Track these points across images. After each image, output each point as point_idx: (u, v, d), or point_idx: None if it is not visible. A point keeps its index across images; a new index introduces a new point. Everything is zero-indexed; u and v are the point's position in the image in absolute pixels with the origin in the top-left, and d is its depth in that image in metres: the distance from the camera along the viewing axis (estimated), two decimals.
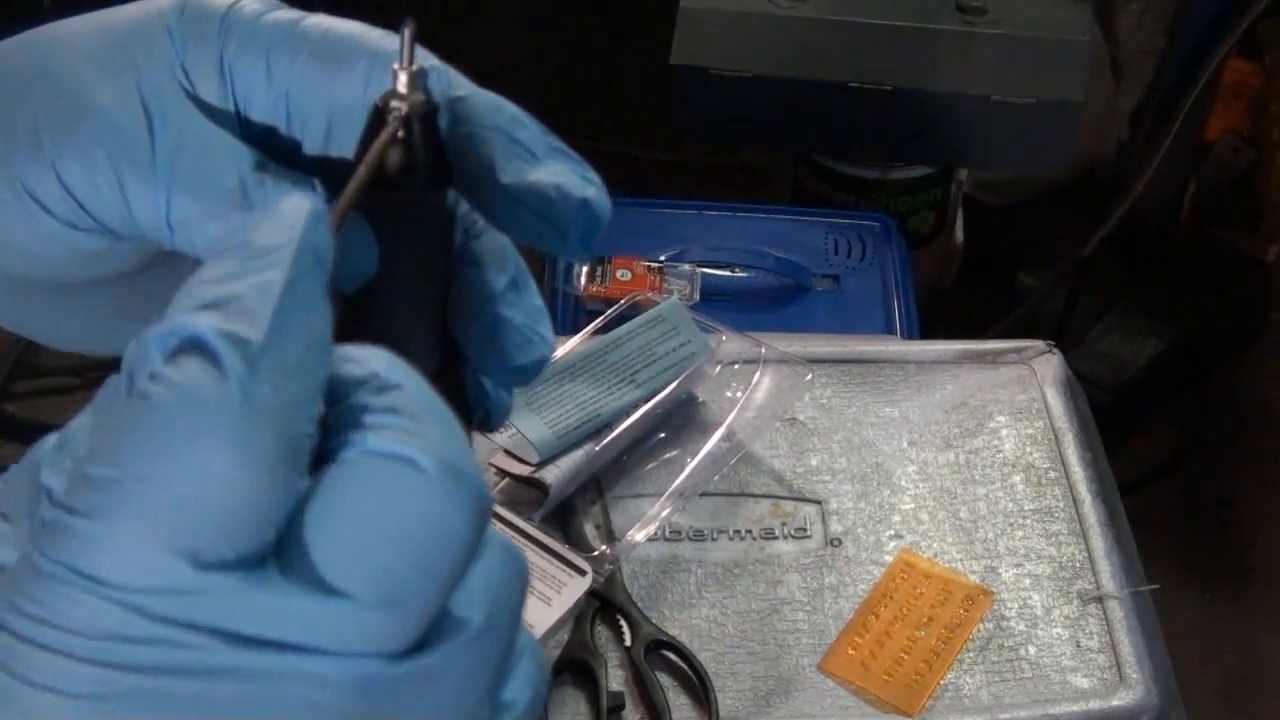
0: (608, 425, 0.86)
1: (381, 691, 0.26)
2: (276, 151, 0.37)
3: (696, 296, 1.13)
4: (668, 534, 0.86)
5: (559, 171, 0.35)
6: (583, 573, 0.77)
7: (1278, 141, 1.84)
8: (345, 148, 0.36)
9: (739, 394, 0.91)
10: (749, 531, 0.87)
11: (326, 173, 0.37)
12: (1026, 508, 0.88)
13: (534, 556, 0.77)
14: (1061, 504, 0.88)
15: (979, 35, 1.32)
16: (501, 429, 0.84)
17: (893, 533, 0.87)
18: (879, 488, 0.89)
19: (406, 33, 0.33)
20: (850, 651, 0.80)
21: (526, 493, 0.84)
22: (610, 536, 0.85)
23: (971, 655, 0.80)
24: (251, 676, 0.26)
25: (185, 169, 0.36)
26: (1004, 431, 0.92)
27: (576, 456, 0.84)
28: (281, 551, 0.26)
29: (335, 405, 0.28)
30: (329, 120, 0.37)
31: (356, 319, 0.33)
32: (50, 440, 0.27)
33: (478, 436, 0.88)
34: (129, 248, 0.38)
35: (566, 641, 0.80)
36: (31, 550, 0.25)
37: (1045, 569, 0.85)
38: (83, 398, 0.28)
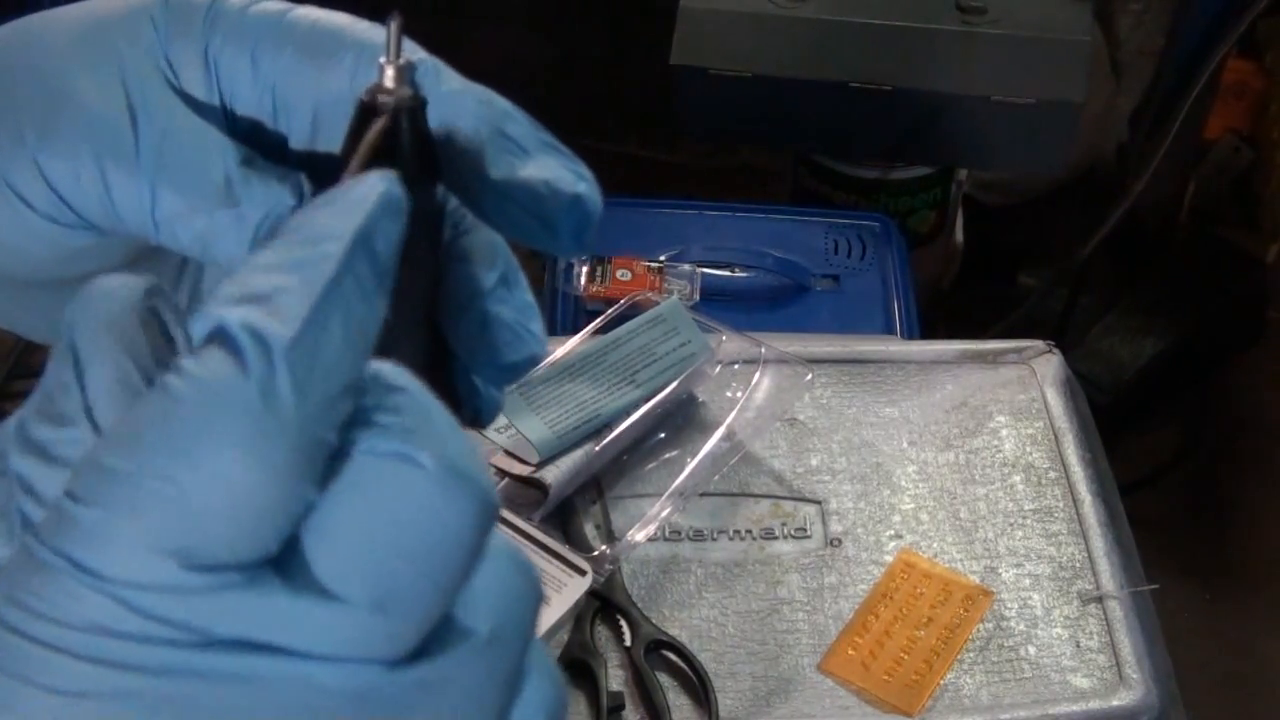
0: (608, 425, 0.86)
1: (378, 700, 0.26)
2: (262, 145, 0.37)
3: (696, 296, 1.13)
4: (668, 534, 0.86)
5: (550, 167, 0.34)
6: (583, 573, 0.77)
7: (1278, 141, 1.84)
8: (332, 142, 0.35)
9: (739, 394, 0.91)
10: (749, 531, 0.87)
11: (313, 167, 0.36)
12: (1026, 508, 0.88)
13: (534, 556, 0.77)
14: (1061, 504, 0.88)
15: (979, 35, 1.32)
16: (501, 429, 0.84)
17: (893, 533, 0.87)
18: (879, 488, 0.89)
19: (393, 26, 0.33)
20: (850, 651, 0.80)
21: (526, 493, 0.84)
22: (610, 536, 0.85)
23: (971, 655, 0.80)
24: (245, 680, 0.25)
25: (169, 163, 0.35)
26: (1004, 431, 0.92)
27: (576, 456, 0.84)
28: (281, 554, 0.26)
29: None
30: (315, 114, 0.36)
31: None
32: (9, 423, 0.27)
33: (478, 437, 0.88)
34: (114, 243, 0.38)
35: (566, 641, 0.80)
36: (30, 539, 0.25)
37: (1045, 569, 0.85)
38: None
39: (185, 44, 0.36)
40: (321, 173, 0.36)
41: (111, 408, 0.27)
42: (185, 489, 0.24)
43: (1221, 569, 1.64)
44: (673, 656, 0.80)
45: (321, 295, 0.26)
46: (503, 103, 0.35)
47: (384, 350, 0.28)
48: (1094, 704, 0.78)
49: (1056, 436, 0.91)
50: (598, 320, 0.93)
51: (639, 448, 0.89)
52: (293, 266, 0.26)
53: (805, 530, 0.87)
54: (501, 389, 0.37)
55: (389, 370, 0.27)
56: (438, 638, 0.27)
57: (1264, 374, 1.82)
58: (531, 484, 0.84)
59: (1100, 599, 0.83)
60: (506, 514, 0.80)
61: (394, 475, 0.26)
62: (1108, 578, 0.84)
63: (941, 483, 0.89)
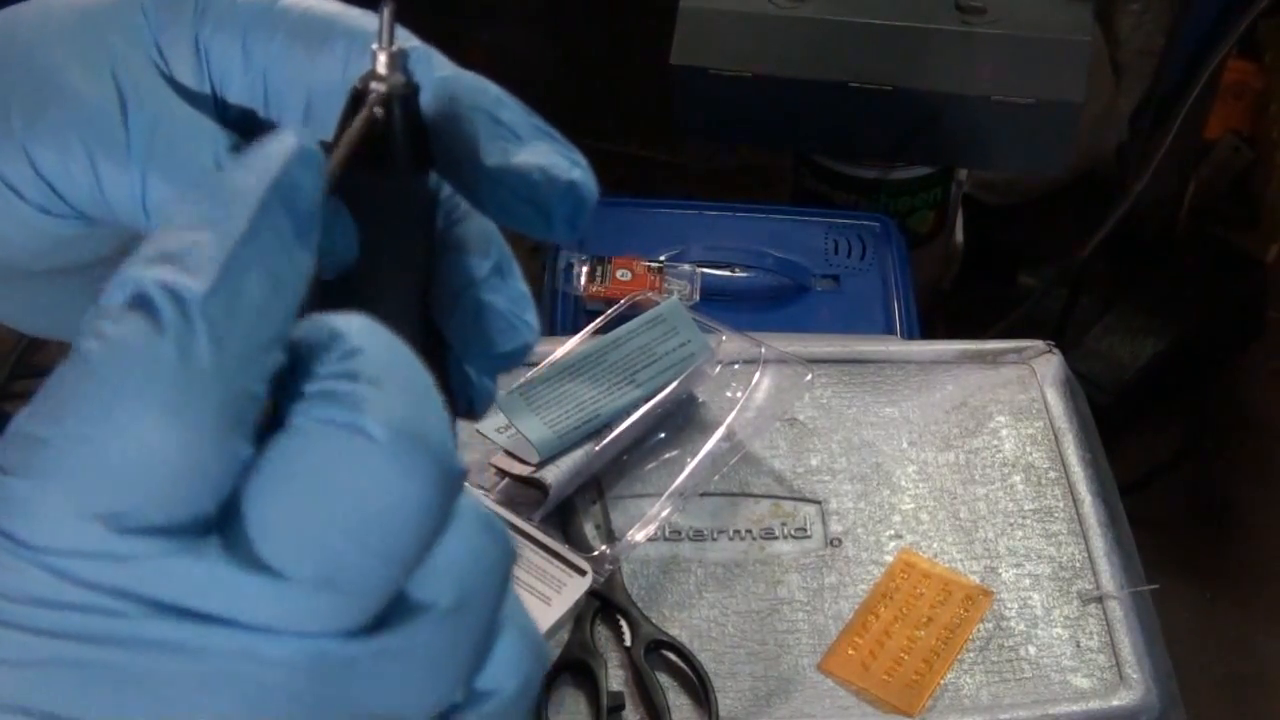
0: (608, 425, 0.86)
1: (333, 671, 0.25)
2: (254, 134, 0.36)
3: (696, 296, 1.13)
4: (668, 534, 0.86)
5: (544, 153, 0.34)
6: (583, 573, 0.77)
7: (1278, 141, 1.84)
8: (324, 130, 0.35)
9: (739, 394, 0.91)
10: (749, 531, 0.87)
11: None
12: (1026, 508, 0.88)
13: (534, 556, 0.77)
14: (1061, 504, 0.88)
15: (979, 35, 1.32)
16: (501, 429, 0.84)
17: (893, 533, 0.87)
18: (879, 488, 0.89)
19: (385, 13, 0.32)
20: (850, 651, 0.80)
21: (526, 493, 0.84)
22: (610, 536, 0.85)
23: (971, 655, 0.80)
24: (189, 651, 0.25)
25: (160, 152, 0.35)
26: (1004, 431, 0.92)
27: (576, 456, 0.84)
28: (224, 524, 0.25)
29: (294, 369, 0.26)
30: (307, 102, 0.36)
31: (335, 306, 0.33)
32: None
33: (478, 437, 0.88)
34: (104, 233, 0.37)
35: (566, 641, 0.80)
36: None
37: (1045, 569, 0.85)
38: None
39: (176, 32, 0.36)
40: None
41: None
42: (106, 451, 0.24)
43: (1221, 569, 1.64)
44: (673, 656, 0.80)
45: (235, 247, 0.25)
46: (495, 89, 0.35)
47: None
48: (1094, 704, 0.78)
49: (1056, 436, 0.91)
50: (598, 320, 0.93)
51: (639, 448, 0.89)
52: (206, 223, 0.26)
53: (805, 530, 0.87)
54: (495, 379, 0.37)
55: (353, 326, 0.27)
56: (399, 606, 0.26)
57: (1264, 374, 1.82)
58: (531, 484, 0.84)
59: (1100, 599, 0.83)
60: (507, 514, 0.80)
61: (340, 447, 0.25)
62: (1108, 578, 0.84)
63: (941, 483, 0.89)
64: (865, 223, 1.26)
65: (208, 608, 0.25)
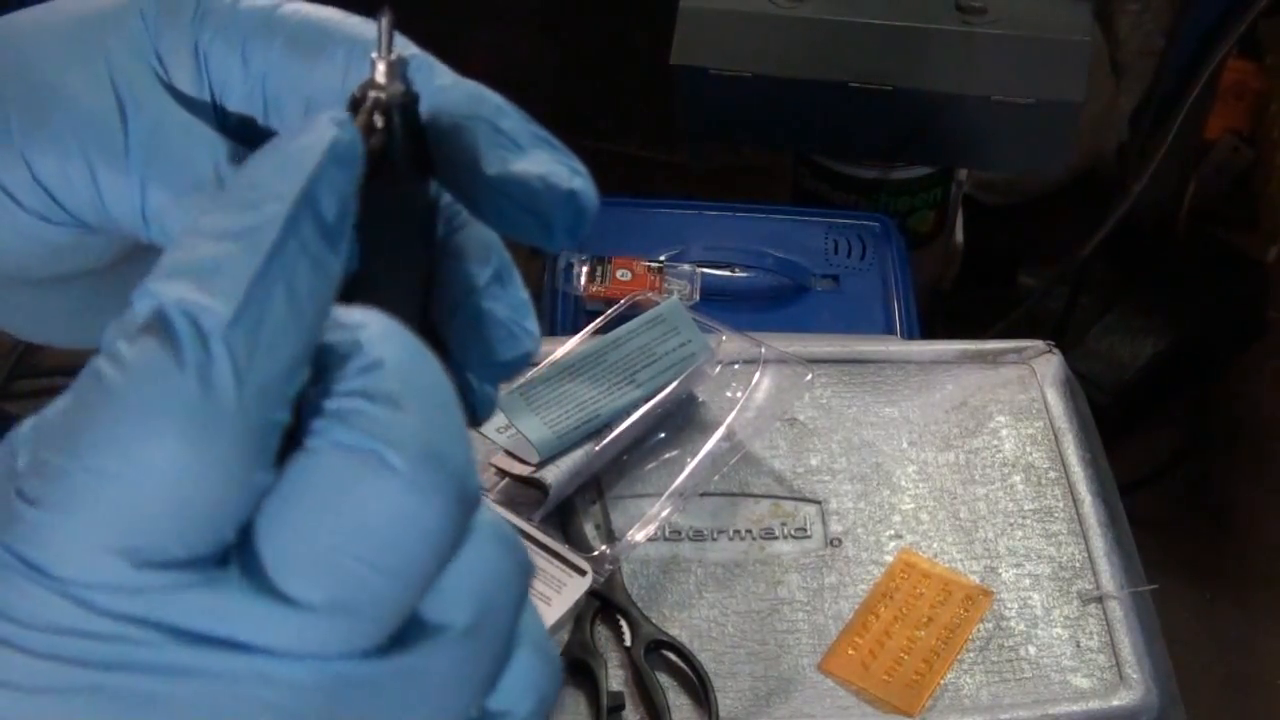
0: (608, 425, 0.86)
1: (349, 692, 0.25)
2: (253, 141, 0.36)
3: (696, 296, 1.13)
4: (668, 534, 0.86)
5: (544, 162, 0.34)
6: (583, 573, 0.77)
7: (1278, 141, 1.84)
8: None
9: (739, 394, 0.91)
10: (749, 531, 0.87)
11: None
12: (1026, 508, 0.88)
13: (534, 557, 0.77)
14: (1061, 504, 0.88)
15: (979, 35, 1.32)
16: (501, 429, 0.84)
17: (893, 533, 0.87)
18: (879, 488, 0.89)
19: (384, 21, 0.32)
20: (850, 651, 0.80)
21: (526, 493, 0.84)
22: (610, 536, 0.85)
23: (971, 655, 0.80)
24: (206, 676, 0.25)
25: (159, 159, 0.35)
26: (1004, 431, 0.92)
27: (576, 456, 0.84)
28: (242, 547, 0.25)
29: (314, 375, 0.26)
30: (306, 109, 0.36)
31: None
32: (27, 424, 0.26)
33: (478, 437, 0.88)
34: (103, 241, 0.37)
35: (566, 641, 0.80)
36: None
37: (1045, 569, 0.85)
38: None
39: (175, 38, 0.36)
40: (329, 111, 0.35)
41: None
42: (125, 487, 0.24)
43: (1221, 569, 1.64)
44: (673, 656, 0.80)
45: (262, 266, 0.25)
46: (495, 98, 0.35)
47: None
48: (1094, 704, 0.78)
49: (1056, 436, 0.91)
50: (598, 320, 0.94)
51: (639, 448, 0.89)
52: (234, 233, 0.25)
53: (805, 530, 0.87)
54: (496, 386, 0.37)
55: (374, 334, 0.26)
56: (415, 626, 0.26)
57: (1264, 374, 1.82)
58: (531, 484, 0.84)
59: (1100, 599, 0.83)
60: (507, 514, 0.80)
61: (356, 473, 0.25)
62: (1108, 578, 0.84)
63: (941, 483, 0.89)
64: (865, 223, 1.26)
65: (224, 634, 0.25)
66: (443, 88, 0.35)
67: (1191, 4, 1.50)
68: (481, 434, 0.84)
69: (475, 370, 0.36)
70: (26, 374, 1.61)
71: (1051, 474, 0.90)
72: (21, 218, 0.36)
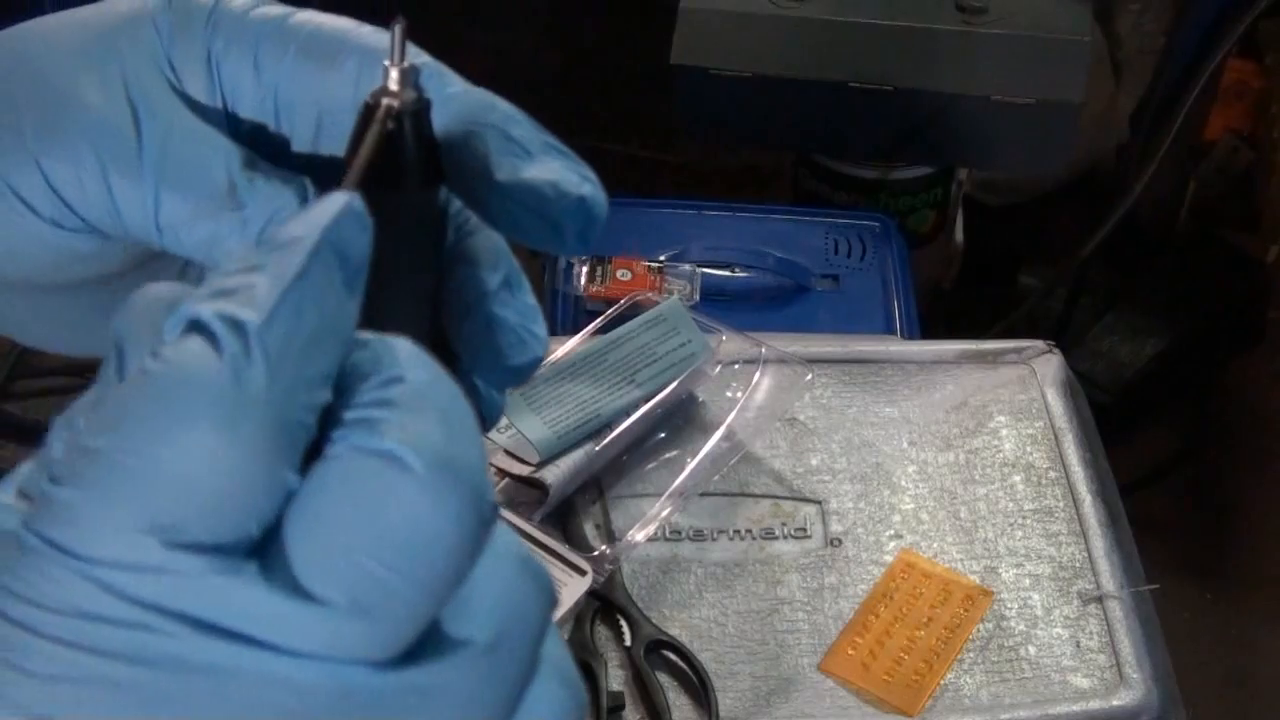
0: (608, 425, 0.86)
1: (361, 701, 0.25)
2: (265, 149, 0.37)
3: (696, 296, 1.12)
4: (668, 534, 0.86)
5: (555, 169, 0.34)
6: (583, 573, 0.77)
7: (1278, 141, 1.84)
8: (335, 145, 0.36)
9: (739, 394, 0.91)
10: (749, 531, 0.87)
11: (316, 171, 0.36)
12: (1026, 508, 0.88)
13: (534, 556, 0.77)
14: (1061, 504, 0.88)
15: (979, 35, 1.32)
16: (501, 429, 0.84)
17: (893, 533, 0.87)
18: (879, 488, 0.89)
19: (398, 30, 0.33)
20: (850, 651, 0.80)
21: (526, 493, 0.84)
22: (610, 536, 0.85)
23: (971, 655, 0.81)
24: (220, 672, 0.25)
25: (173, 166, 0.35)
26: (1004, 431, 0.92)
27: (576, 456, 0.84)
28: (265, 548, 0.26)
29: (338, 395, 0.27)
30: (318, 117, 0.36)
31: None
32: (61, 417, 0.27)
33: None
34: (116, 248, 0.38)
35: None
36: (19, 525, 0.25)
37: (1045, 569, 0.85)
38: None
39: (188, 47, 0.36)
40: (324, 176, 0.36)
41: None
42: (159, 465, 0.25)
43: (1221, 569, 1.64)
44: (673, 656, 0.80)
45: (290, 284, 0.26)
46: (506, 106, 0.35)
47: None
48: (1094, 704, 0.78)
49: (1056, 436, 0.91)
50: (598, 320, 0.94)
51: (639, 448, 0.89)
52: (260, 268, 0.27)
53: (805, 530, 0.87)
54: (504, 392, 0.37)
55: (398, 353, 0.27)
56: (434, 641, 0.26)
57: (1264, 374, 1.82)
58: (531, 484, 0.84)
59: (1100, 599, 0.83)
60: (507, 514, 0.80)
61: (378, 475, 0.25)
62: (1108, 578, 0.84)
63: (941, 483, 0.89)
64: (865, 223, 1.26)
65: (243, 628, 0.25)
66: (454, 95, 0.35)
67: (1191, 4, 1.50)
68: (483, 435, 0.84)
69: (484, 375, 0.36)
70: (26, 374, 1.61)
71: (1051, 474, 0.90)
72: (35, 223, 0.36)
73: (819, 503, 0.88)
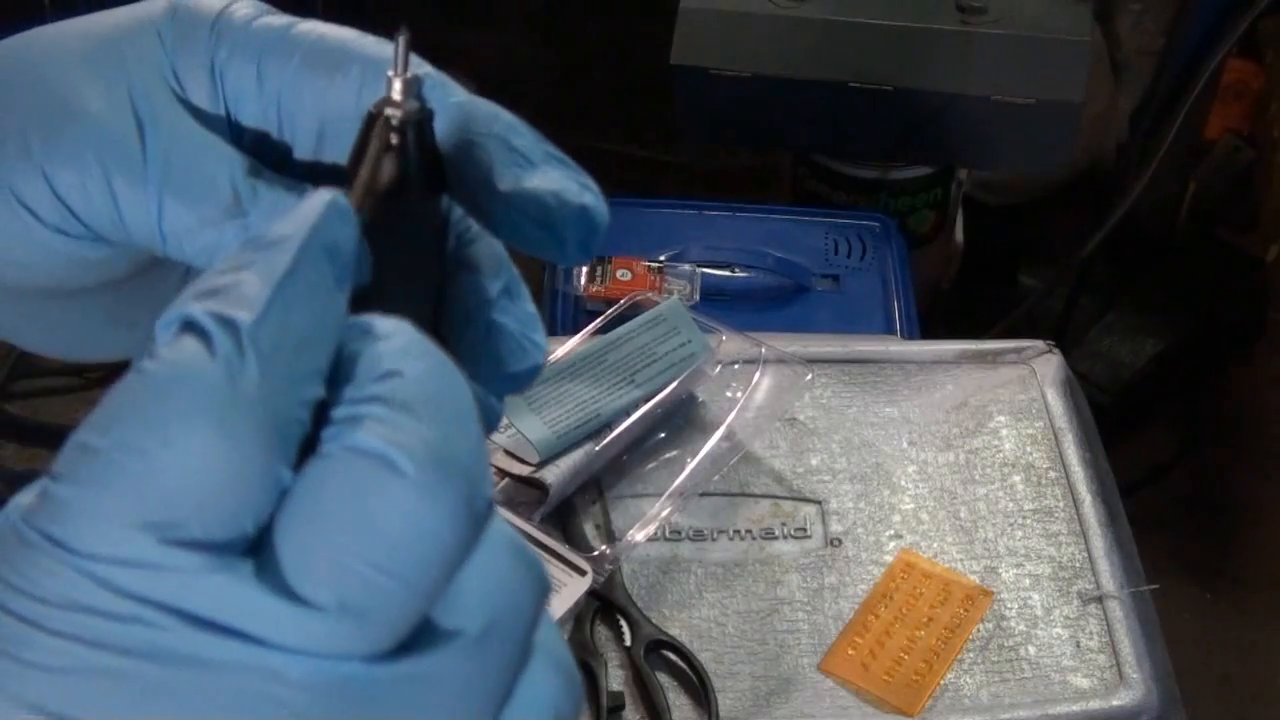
0: (608, 425, 0.86)
1: (354, 695, 0.26)
2: (268, 158, 0.37)
3: (696, 296, 1.13)
4: (668, 534, 0.86)
5: (556, 178, 0.35)
6: (583, 573, 0.77)
7: (1278, 141, 1.84)
8: (338, 155, 0.36)
9: (739, 394, 0.91)
10: (749, 531, 0.87)
11: (318, 180, 0.36)
12: (1026, 508, 0.88)
13: None
14: (1061, 504, 0.88)
15: (979, 35, 1.32)
16: (501, 429, 0.84)
17: (893, 533, 0.87)
18: (879, 488, 0.89)
19: (401, 40, 0.33)
20: (850, 651, 0.81)
21: (526, 493, 0.84)
22: (610, 536, 0.85)
23: (971, 655, 0.81)
24: (213, 666, 0.25)
25: (177, 174, 0.36)
26: (1004, 431, 0.92)
27: (576, 456, 0.84)
28: (262, 544, 0.26)
29: (335, 387, 0.27)
30: (321, 127, 0.36)
31: None
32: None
33: None
34: (120, 254, 0.38)
35: (566, 642, 0.80)
36: (18, 519, 0.25)
37: (1045, 569, 0.85)
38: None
39: (191, 56, 0.37)
40: (326, 185, 0.36)
41: None
42: (156, 462, 0.25)
43: (1221, 569, 1.65)
44: (673, 656, 0.80)
45: (280, 282, 0.26)
46: (508, 116, 0.36)
47: None
48: (1094, 704, 0.78)
49: (1056, 436, 0.91)
50: (598, 320, 0.94)
51: (639, 448, 0.89)
52: (249, 266, 0.27)
53: (805, 530, 0.87)
54: (503, 399, 0.37)
55: (394, 344, 0.27)
56: (426, 633, 0.26)
57: (1264, 374, 1.82)
58: (531, 484, 0.84)
59: (1100, 599, 0.83)
60: (507, 514, 0.80)
61: (367, 476, 0.26)
62: (1108, 578, 0.84)
63: (941, 483, 0.89)
64: (865, 223, 1.26)
65: (236, 624, 0.25)
66: (457, 105, 0.35)
67: (1191, 4, 1.50)
68: None
69: (484, 382, 0.36)
70: (26, 374, 1.61)
71: (1051, 474, 0.90)
72: (40, 231, 0.36)
73: (819, 503, 0.88)
